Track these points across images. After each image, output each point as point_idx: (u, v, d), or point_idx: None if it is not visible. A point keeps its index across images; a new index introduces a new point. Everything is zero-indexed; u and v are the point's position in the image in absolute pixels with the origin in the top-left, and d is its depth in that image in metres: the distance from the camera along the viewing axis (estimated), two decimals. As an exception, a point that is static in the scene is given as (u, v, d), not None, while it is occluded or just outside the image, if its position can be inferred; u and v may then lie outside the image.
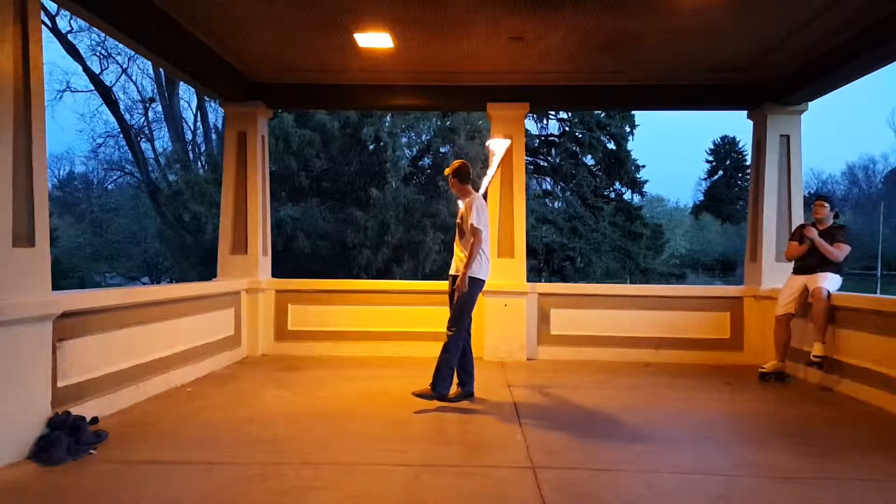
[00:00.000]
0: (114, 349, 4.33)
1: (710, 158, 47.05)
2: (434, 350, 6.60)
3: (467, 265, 4.59)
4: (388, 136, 20.65)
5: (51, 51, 21.44)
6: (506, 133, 6.86)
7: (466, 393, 4.76)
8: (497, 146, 4.88)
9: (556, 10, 4.92)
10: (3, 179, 3.28)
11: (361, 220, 19.94)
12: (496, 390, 5.05)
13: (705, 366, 6.40)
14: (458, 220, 4.85)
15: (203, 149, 25.42)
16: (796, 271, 5.75)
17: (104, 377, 4.20)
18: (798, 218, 6.62)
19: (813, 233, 5.49)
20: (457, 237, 4.84)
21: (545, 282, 19.81)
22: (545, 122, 27.42)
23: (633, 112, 25.69)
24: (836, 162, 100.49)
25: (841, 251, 5.43)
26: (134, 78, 24.34)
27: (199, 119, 25.39)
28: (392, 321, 6.87)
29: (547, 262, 24.68)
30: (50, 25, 20.25)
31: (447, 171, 4.91)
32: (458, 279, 4.62)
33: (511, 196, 6.77)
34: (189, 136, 25.53)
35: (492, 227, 6.45)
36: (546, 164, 27.63)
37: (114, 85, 23.50)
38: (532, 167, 26.46)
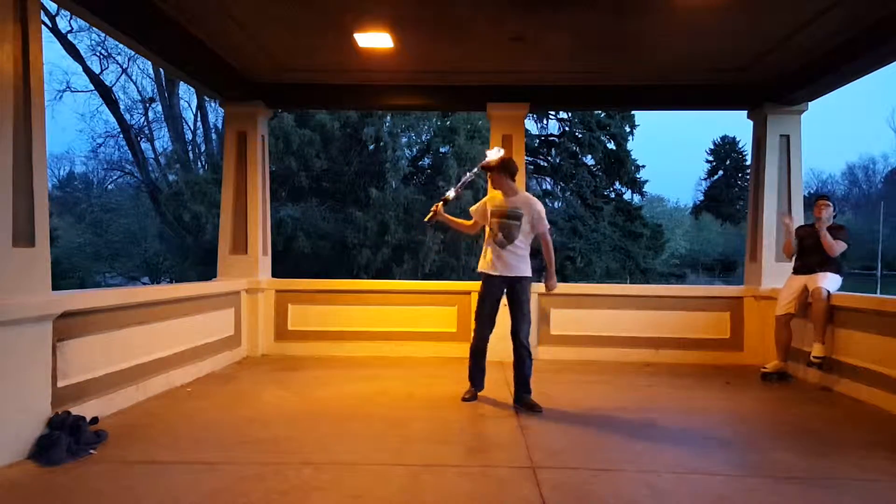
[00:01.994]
0: (114, 349, 4.32)
1: (710, 158, 47.03)
2: (434, 350, 6.71)
3: (552, 267, 4.76)
4: (388, 136, 20.67)
5: (51, 51, 21.46)
6: (506, 133, 6.87)
7: (476, 393, 4.82)
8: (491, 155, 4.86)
9: (556, 10, 4.91)
10: (3, 179, 3.28)
11: (361, 220, 19.95)
12: (496, 390, 5.04)
13: (705, 366, 6.40)
14: (504, 219, 4.61)
15: (203, 149, 25.42)
16: (796, 271, 5.76)
17: (104, 377, 4.20)
18: (799, 218, 6.62)
19: (822, 226, 5.45)
20: (500, 235, 4.60)
21: (545, 282, 19.74)
22: (545, 122, 27.44)
23: (633, 112, 25.70)
24: (836, 162, 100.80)
25: (838, 246, 5.45)
26: (134, 78, 24.36)
27: (199, 119, 25.39)
28: (392, 321, 6.87)
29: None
30: (50, 25, 20.25)
31: (493, 162, 4.68)
32: (547, 281, 4.75)
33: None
34: (189, 136, 25.55)
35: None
36: (546, 164, 27.64)
37: (114, 85, 23.52)
38: (532, 167, 26.47)
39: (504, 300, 4.70)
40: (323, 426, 4.05)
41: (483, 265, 4.72)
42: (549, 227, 4.75)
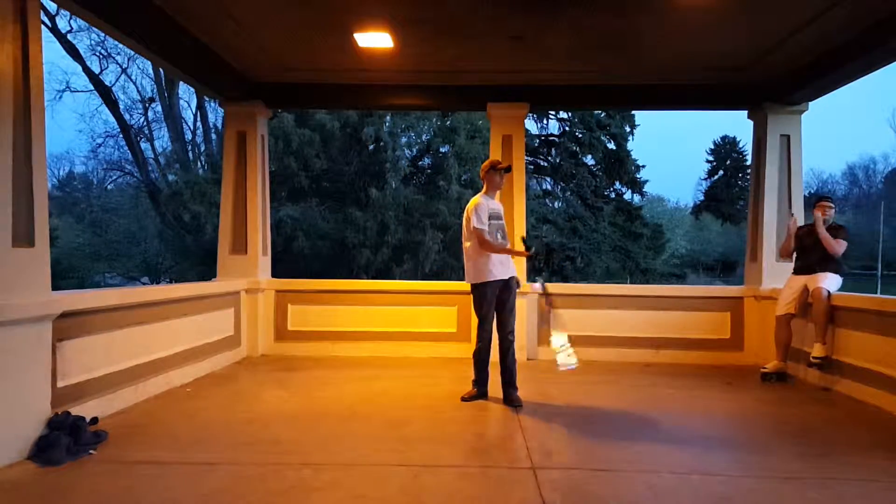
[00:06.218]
0: (113, 349, 4.32)
1: (711, 158, 47.04)
2: (434, 350, 6.71)
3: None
4: (388, 136, 20.66)
5: (50, 51, 21.46)
6: (506, 133, 6.87)
7: (482, 393, 4.84)
8: None
9: (556, 9, 4.91)
10: (3, 179, 3.28)
11: (361, 220, 19.93)
12: (496, 391, 5.04)
13: (706, 366, 6.40)
14: (499, 220, 4.80)
15: (203, 149, 25.43)
16: (796, 271, 5.77)
17: (104, 377, 4.20)
18: (799, 218, 6.62)
19: (820, 226, 5.50)
20: (499, 236, 4.73)
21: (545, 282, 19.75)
22: (545, 122, 27.44)
23: (633, 112, 25.69)
24: (836, 162, 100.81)
25: (839, 245, 5.48)
26: (134, 78, 24.37)
27: (198, 119, 25.39)
28: (392, 321, 6.87)
29: (547, 262, 24.68)
30: (50, 25, 20.24)
31: (505, 164, 4.84)
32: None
33: (511, 196, 6.76)
34: (189, 136, 25.56)
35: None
36: (546, 164, 27.63)
37: (113, 85, 23.53)
38: (532, 167, 26.47)
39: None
40: (323, 426, 4.05)
41: (488, 272, 4.64)
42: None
